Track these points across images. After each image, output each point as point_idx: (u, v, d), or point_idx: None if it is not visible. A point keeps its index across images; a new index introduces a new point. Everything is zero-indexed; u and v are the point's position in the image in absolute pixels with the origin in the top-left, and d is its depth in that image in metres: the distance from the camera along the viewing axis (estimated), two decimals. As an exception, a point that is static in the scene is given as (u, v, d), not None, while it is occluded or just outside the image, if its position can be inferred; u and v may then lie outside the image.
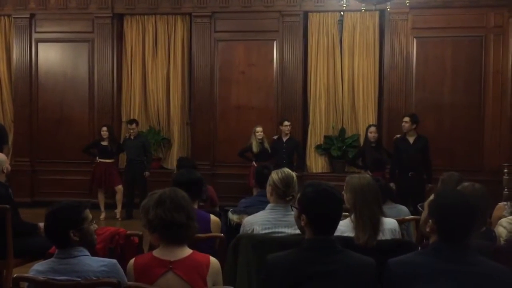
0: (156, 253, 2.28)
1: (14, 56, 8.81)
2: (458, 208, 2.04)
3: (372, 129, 7.14)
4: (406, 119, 6.78)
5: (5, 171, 4.19)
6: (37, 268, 2.30)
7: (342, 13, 8.16)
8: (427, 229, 2.14)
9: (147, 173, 7.84)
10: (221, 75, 8.55)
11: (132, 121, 8.05)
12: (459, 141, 8.01)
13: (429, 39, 8.13)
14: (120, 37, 8.81)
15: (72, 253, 2.29)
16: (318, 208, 2.13)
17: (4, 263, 4.03)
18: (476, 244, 2.17)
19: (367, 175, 3.09)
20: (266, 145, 7.67)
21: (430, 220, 2.11)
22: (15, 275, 2.34)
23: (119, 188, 7.89)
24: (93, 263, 2.28)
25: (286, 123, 7.74)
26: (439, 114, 8.09)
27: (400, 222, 3.18)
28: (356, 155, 7.51)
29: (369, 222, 2.75)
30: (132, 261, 2.31)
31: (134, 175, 7.84)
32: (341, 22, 8.38)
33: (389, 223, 2.96)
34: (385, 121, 8.22)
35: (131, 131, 7.93)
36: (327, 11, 8.32)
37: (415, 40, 8.15)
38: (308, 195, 2.17)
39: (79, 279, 2.21)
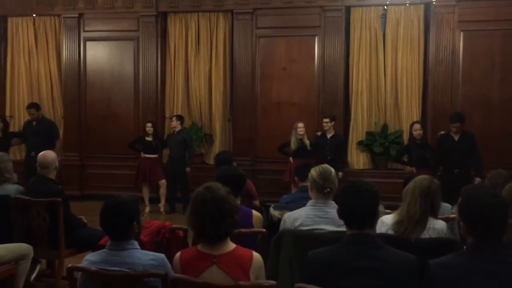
0: (200, 247, 2.35)
1: (64, 55, 9.15)
2: (485, 204, 2.03)
3: (417, 126, 7.00)
4: (456, 124, 6.44)
5: (56, 169, 4.40)
6: (90, 259, 2.42)
7: (385, 7, 8.00)
8: (461, 231, 2.16)
9: (188, 169, 7.97)
10: (262, 71, 8.59)
11: (178, 117, 8.21)
12: (509, 138, 7.74)
13: (477, 33, 7.87)
14: (164, 35, 9.00)
15: (124, 246, 2.39)
16: (343, 200, 2.28)
17: (57, 253, 4.23)
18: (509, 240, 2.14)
19: (435, 180, 3.07)
20: (306, 141, 7.63)
21: (461, 222, 2.11)
22: (69, 265, 2.45)
23: (163, 182, 8.07)
24: (143, 256, 2.37)
25: (325, 119, 7.64)
26: (488, 110, 7.82)
27: (445, 220, 3.15)
28: (400, 152, 7.39)
29: (406, 215, 2.86)
30: (178, 254, 2.39)
31: (175, 170, 7.96)
32: (384, 16, 8.21)
33: (438, 224, 2.94)
34: (430, 117, 8.04)
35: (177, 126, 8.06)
36: (370, 5, 8.20)
37: (461, 34, 7.91)
38: (340, 187, 2.39)
39: (128, 271, 2.31)
